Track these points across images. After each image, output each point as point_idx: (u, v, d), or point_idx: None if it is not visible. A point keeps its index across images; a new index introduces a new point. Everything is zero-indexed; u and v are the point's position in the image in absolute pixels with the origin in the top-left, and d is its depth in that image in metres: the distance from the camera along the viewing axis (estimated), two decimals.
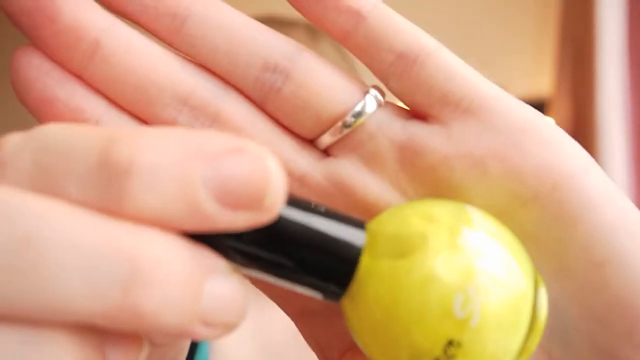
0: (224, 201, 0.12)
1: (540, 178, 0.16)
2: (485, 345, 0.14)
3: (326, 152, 0.18)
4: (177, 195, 0.12)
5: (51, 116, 0.17)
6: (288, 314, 0.19)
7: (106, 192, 0.12)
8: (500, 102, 0.17)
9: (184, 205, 0.12)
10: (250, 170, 0.12)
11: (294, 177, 0.18)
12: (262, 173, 0.12)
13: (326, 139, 0.18)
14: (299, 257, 0.14)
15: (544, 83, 1.36)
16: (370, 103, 0.18)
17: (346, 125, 0.17)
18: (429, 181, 0.17)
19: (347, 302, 0.15)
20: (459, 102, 0.17)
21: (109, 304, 0.11)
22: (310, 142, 0.18)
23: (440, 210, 0.15)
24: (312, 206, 0.14)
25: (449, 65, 0.17)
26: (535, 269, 0.16)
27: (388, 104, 0.18)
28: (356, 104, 0.17)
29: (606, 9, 0.98)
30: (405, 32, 0.17)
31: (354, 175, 0.18)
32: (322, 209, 0.14)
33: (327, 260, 0.14)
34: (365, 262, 0.14)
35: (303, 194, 0.18)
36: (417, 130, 0.17)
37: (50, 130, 0.13)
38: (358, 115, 0.17)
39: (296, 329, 0.57)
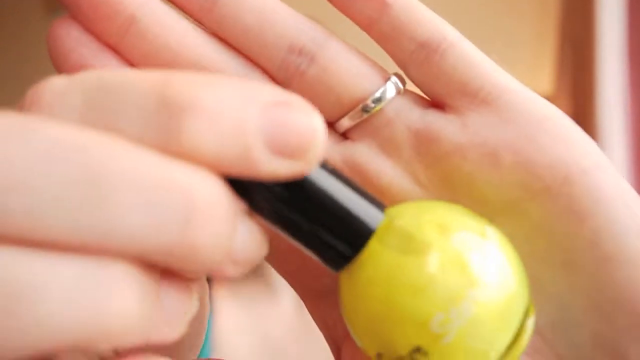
0: (273, 148, 0.12)
1: (553, 172, 0.17)
2: (459, 354, 0.14)
3: (344, 135, 0.19)
4: (232, 137, 0.12)
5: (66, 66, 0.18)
6: (298, 293, 0.20)
7: (164, 129, 0.12)
8: (517, 95, 0.17)
9: (236, 148, 0.12)
10: (300, 123, 0.13)
11: None
12: (309, 126, 0.13)
13: (345, 123, 0.18)
14: (317, 218, 0.14)
15: (544, 82, 1.36)
16: (390, 89, 0.18)
17: (365, 110, 0.18)
18: (442, 169, 0.17)
19: (344, 276, 0.15)
20: (477, 93, 0.17)
21: (167, 237, 0.12)
22: (329, 125, 0.19)
23: (458, 224, 0.15)
24: (342, 175, 0.15)
25: (469, 56, 0.18)
26: (530, 297, 0.16)
27: (407, 92, 0.18)
28: (377, 90, 0.18)
29: (606, 9, 0.98)
30: (429, 21, 0.18)
31: (369, 159, 0.18)
32: (351, 181, 0.15)
33: (341, 229, 0.14)
34: (372, 245, 0.15)
35: None
36: (434, 119, 0.18)
37: (101, 73, 0.13)
38: (378, 100, 0.18)
39: (293, 324, 0.56)
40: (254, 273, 0.60)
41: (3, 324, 0.10)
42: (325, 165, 0.15)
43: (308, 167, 0.13)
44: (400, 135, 0.18)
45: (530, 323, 0.15)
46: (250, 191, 0.14)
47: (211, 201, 0.12)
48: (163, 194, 0.11)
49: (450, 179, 0.18)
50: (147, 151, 0.12)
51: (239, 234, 0.13)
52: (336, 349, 0.20)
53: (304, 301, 0.20)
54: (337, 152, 0.18)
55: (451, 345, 0.14)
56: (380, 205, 0.15)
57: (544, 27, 1.35)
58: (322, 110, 0.18)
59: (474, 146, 0.17)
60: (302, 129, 0.13)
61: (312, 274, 0.19)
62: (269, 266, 0.56)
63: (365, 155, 0.18)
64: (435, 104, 0.18)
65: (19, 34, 1.83)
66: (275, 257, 0.19)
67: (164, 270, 0.13)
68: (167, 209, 0.11)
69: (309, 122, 0.13)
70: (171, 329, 0.13)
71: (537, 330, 0.18)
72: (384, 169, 0.18)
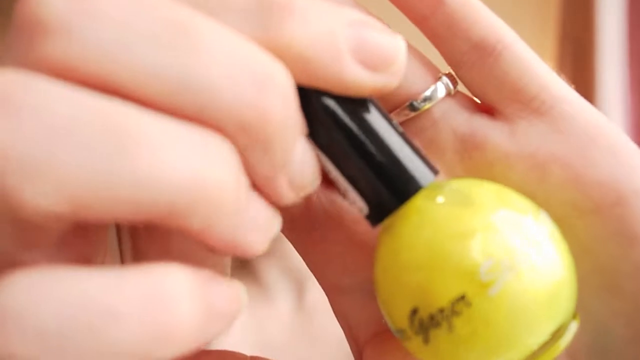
0: (358, 57, 0.13)
1: (604, 191, 0.16)
2: (493, 320, 0.14)
3: None
4: (323, 40, 0.13)
5: None
6: (322, 287, 0.19)
7: (262, 25, 0.13)
8: (571, 106, 0.16)
9: (326, 51, 0.13)
10: (384, 40, 0.14)
11: None
12: (393, 44, 0.14)
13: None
14: (371, 157, 0.14)
15: None
16: (440, 90, 0.17)
17: (413, 108, 0.17)
18: (486, 177, 0.17)
19: (384, 231, 0.15)
20: (530, 101, 0.17)
21: (244, 98, 0.12)
22: None
23: (514, 198, 0.15)
24: (405, 133, 0.15)
25: (524, 60, 0.17)
26: (576, 300, 0.15)
27: (457, 93, 0.18)
28: (426, 89, 0.17)
29: (606, 9, 0.98)
30: (485, 21, 0.17)
31: None
32: (412, 141, 0.15)
33: (392, 176, 0.15)
34: (419, 201, 0.15)
35: None
36: (482, 124, 0.17)
37: None
38: (426, 100, 0.17)
39: (292, 328, 0.57)
40: (248, 275, 0.61)
41: (111, 164, 0.11)
42: (389, 116, 0.15)
43: (392, 81, 0.14)
44: (444, 137, 0.17)
45: (572, 328, 0.15)
46: (312, 113, 0.14)
47: (283, 81, 0.13)
48: (243, 59, 0.12)
49: None
50: (231, 30, 0.12)
51: (298, 152, 0.14)
52: (357, 349, 0.19)
53: (328, 297, 0.19)
54: None
55: (495, 300, 0.13)
56: (434, 168, 0.15)
57: (544, 27, 1.35)
58: None
59: (521, 157, 0.16)
60: (385, 45, 0.13)
61: (340, 269, 0.19)
62: (263, 268, 0.55)
63: None
64: (485, 108, 0.18)
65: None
66: (305, 246, 0.19)
67: (253, 184, 0.13)
68: (245, 72, 0.12)
69: (392, 40, 0.14)
70: (257, 237, 0.13)
71: (571, 354, 0.17)
72: None
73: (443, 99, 0.17)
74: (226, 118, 0.12)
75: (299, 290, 0.62)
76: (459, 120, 0.17)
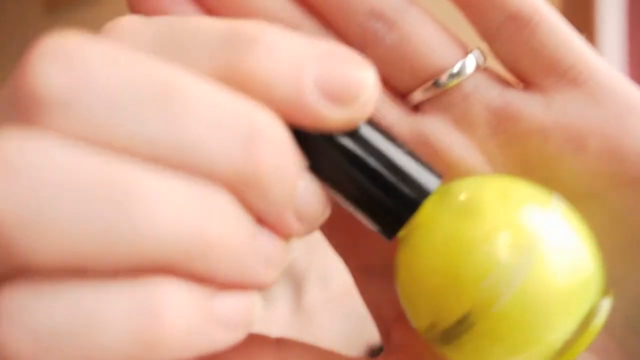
0: (323, 91, 0.13)
1: None
2: (505, 330, 0.14)
3: (416, 109, 0.18)
4: (288, 72, 0.13)
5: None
6: (348, 268, 0.19)
7: (228, 57, 0.13)
8: (609, 77, 0.16)
9: (290, 83, 0.13)
10: (352, 72, 0.13)
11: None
12: (361, 77, 0.13)
13: (418, 96, 0.17)
14: (372, 177, 0.14)
15: None
16: (469, 64, 0.17)
17: (440, 84, 0.17)
18: (520, 150, 0.17)
19: (400, 244, 0.15)
20: (566, 72, 0.16)
21: (232, 155, 0.12)
22: (402, 97, 0.18)
23: (521, 193, 0.15)
24: (400, 141, 0.15)
25: (561, 32, 0.17)
26: (603, 278, 0.15)
27: (487, 69, 0.18)
28: (455, 64, 0.17)
29: (606, 9, 0.98)
30: None
31: (441, 133, 0.17)
32: (409, 148, 0.15)
33: (396, 190, 0.14)
34: (429, 209, 0.14)
35: None
36: (515, 97, 0.17)
37: (175, 17, 0.14)
38: (454, 75, 0.17)
39: (291, 328, 0.57)
40: None
41: (110, 221, 0.11)
42: (382, 129, 0.15)
43: (356, 116, 0.13)
44: (476, 111, 0.17)
45: (605, 307, 0.14)
46: (310, 146, 0.14)
47: (271, 131, 0.13)
48: (228, 115, 0.12)
49: (527, 161, 0.17)
50: (216, 82, 0.13)
51: (301, 187, 0.14)
52: (385, 330, 0.19)
53: (354, 277, 0.19)
54: (407, 124, 0.18)
55: (500, 316, 0.13)
56: (437, 173, 0.15)
57: None
58: (397, 80, 0.18)
59: (557, 128, 0.16)
60: (352, 78, 0.13)
61: (366, 250, 0.19)
62: None
63: (436, 129, 0.17)
64: (518, 81, 0.17)
65: (19, 34, 1.83)
66: (330, 229, 0.19)
67: (260, 219, 0.14)
68: (231, 128, 0.12)
69: (360, 73, 0.13)
70: (267, 272, 0.13)
71: (609, 328, 0.17)
72: (455, 144, 0.17)
73: (473, 73, 0.17)
74: (221, 173, 0.12)
75: (298, 291, 0.62)
76: (491, 93, 0.17)
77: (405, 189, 0.14)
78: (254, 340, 0.16)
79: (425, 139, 0.17)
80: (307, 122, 0.13)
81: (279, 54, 0.13)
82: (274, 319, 0.55)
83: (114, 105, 0.12)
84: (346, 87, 0.13)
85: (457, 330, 0.14)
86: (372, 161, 0.14)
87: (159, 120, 0.12)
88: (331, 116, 0.13)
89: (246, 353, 0.16)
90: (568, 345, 0.14)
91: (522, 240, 0.14)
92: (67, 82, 0.12)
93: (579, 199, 0.16)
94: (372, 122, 0.15)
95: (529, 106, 0.17)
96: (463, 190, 0.15)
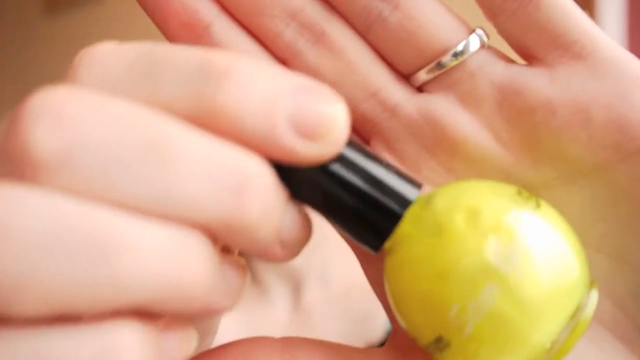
0: (295, 127, 0.13)
1: None
2: (484, 346, 0.14)
3: (420, 90, 0.18)
4: (260, 107, 0.13)
5: (166, 13, 0.17)
6: (354, 252, 0.20)
7: (200, 91, 0.13)
8: (612, 51, 0.17)
9: (262, 117, 0.13)
10: (323, 108, 0.13)
11: (385, 106, 0.18)
12: (331, 112, 0.13)
13: (422, 76, 0.18)
14: (352, 199, 0.14)
15: None
16: (473, 42, 0.17)
17: (444, 63, 0.17)
18: (526, 125, 0.17)
19: (386, 254, 0.15)
20: (570, 46, 0.17)
21: (222, 207, 0.12)
22: (406, 78, 0.18)
23: (492, 208, 0.14)
24: (375, 156, 0.15)
25: (564, 6, 0.17)
26: (586, 276, 0.15)
27: (490, 47, 0.18)
28: (459, 43, 0.17)
29: (606, 9, 0.98)
30: None
31: (447, 111, 0.17)
32: (385, 162, 0.15)
33: (376, 205, 0.14)
34: (406, 227, 0.15)
35: (391, 124, 0.18)
36: (520, 72, 0.17)
37: (148, 44, 0.14)
38: (458, 54, 0.17)
39: (289, 328, 0.57)
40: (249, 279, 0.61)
41: (94, 273, 0.11)
42: (358, 146, 0.15)
43: (329, 150, 0.14)
44: (482, 88, 0.17)
45: (593, 298, 0.14)
46: (288, 175, 0.14)
47: (260, 178, 0.13)
48: (217, 166, 0.13)
49: (533, 136, 0.17)
50: (206, 133, 0.13)
51: (286, 216, 0.14)
52: (393, 317, 0.19)
53: (363, 266, 0.20)
54: (413, 104, 0.18)
55: (472, 338, 0.14)
56: (416, 183, 0.15)
57: None
58: (401, 60, 0.18)
59: (563, 101, 0.16)
60: (325, 114, 0.13)
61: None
62: (261, 269, 0.55)
63: (443, 107, 0.17)
64: (522, 56, 0.18)
65: (19, 34, 1.83)
66: None
67: (224, 248, 0.14)
68: (221, 180, 0.12)
69: (332, 108, 0.13)
70: (228, 300, 0.14)
71: (616, 300, 0.17)
72: (462, 122, 0.17)
73: (477, 51, 0.17)
74: (207, 221, 0.13)
75: (297, 291, 0.62)
76: (496, 70, 0.17)
77: (386, 202, 0.15)
78: (259, 342, 0.16)
79: (431, 118, 0.17)
80: (280, 156, 0.13)
81: (251, 88, 0.13)
82: (273, 319, 0.55)
83: (105, 162, 0.12)
84: (318, 123, 0.13)
85: (436, 347, 0.14)
86: (351, 181, 0.14)
87: (148, 175, 0.12)
88: (304, 151, 0.13)
89: (252, 356, 0.16)
90: (559, 343, 0.14)
91: (488, 264, 0.14)
92: (58, 142, 0.12)
93: (586, 170, 0.16)
94: (348, 142, 0.15)
95: (534, 81, 0.17)
96: (439, 205, 0.15)
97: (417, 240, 0.14)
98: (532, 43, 0.17)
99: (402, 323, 0.15)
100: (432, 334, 0.14)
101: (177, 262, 0.12)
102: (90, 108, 0.12)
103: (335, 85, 0.18)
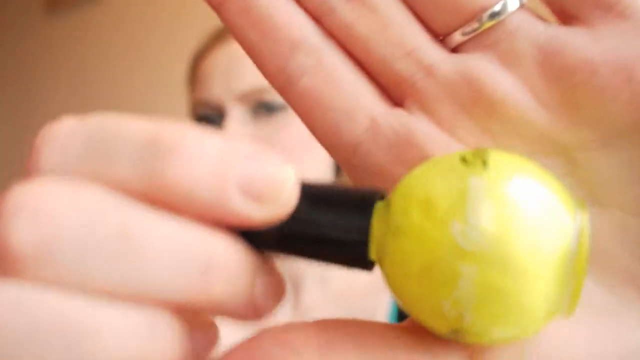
0: (245, 192, 0.14)
1: None
2: (491, 329, 0.14)
3: (456, 51, 0.18)
4: (209, 178, 0.13)
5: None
6: (343, 168, 0.19)
7: (150, 167, 0.13)
8: None
9: (213, 188, 0.13)
10: (272, 172, 0.14)
11: (421, 65, 0.18)
12: (281, 176, 0.14)
13: (458, 37, 0.18)
14: (316, 245, 0.15)
15: None
16: (511, 2, 0.17)
17: (480, 25, 0.17)
18: (566, 84, 0.17)
19: (380, 268, 0.15)
20: (613, 5, 0.16)
21: (189, 286, 0.13)
22: (442, 39, 0.18)
23: (439, 194, 0.14)
24: (325, 187, 0.15)
25: None
26: (566, 201, 0.14)
27: (528, 9, 0.18)
28: (497, 3, 0.17)
29: None
30: None
31: (486, 70, 0.17)
32: (336, 188, 0.15)
33: (343, 229, 0.15)
34: (377, 230, 0.14)
35: (427, 84, 0.18)
36: (561, 32, 0.17)
37: (102, 119, 0.14)
38: (496, 14, 0.17)
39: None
40: None
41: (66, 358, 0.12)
42: (306, 185, 0.15)
43: (282, 211, 0.14)
44: (522, 47, 0.17)
45: (583, 229, 0.14)
46: (254, 236, 0.15)
47: (225, 255, 0.14)
48: (182, 249, 0.13)
49: (573, 96, 0.17)
50: (171, 216, 0.14)
51: (257, 281, 0.14)
52: None
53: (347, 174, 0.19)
54: (450, 64, 0.17)
55: (477, 321, 0.13)
56: (373, 191, 0.15)
57: None
58: (436, 21, 0.17)
59: (605, 61, 0.16)
60: (273, 178, 0.14)
61: (346, 150, 0.19)
62: None
63: (481, 66, 0.17)
64: (561, 19, 0.17)
65: (19, 34, 1.83)
66: (313, 128, 0.19)
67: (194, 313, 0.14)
68: (186, 262, 0.13)
69: (280, 172, 0.14)
70: None
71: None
72: (500, 80, 0.17)
73: (516, 11, 0.17)
74: (175, 301, 0.13)
75: (296, 291, 0.62)
76: (536, 29, 0.17)
77: (350, 220, 0.15)
78: (294, 328, 0.16)
79: (469, 77, 0.17)
80: (233, 222, 0.14)
81: (199, 161, 0.13)
82: (272, 319, 0.55)
83: (78, 254, 0.13)
84: (268, 188, 0.14)
85: (454, 337, 0.14)
86: (312, 224, 0.15)
87: (118, 262, 0.13)
88: (256, 215, 0.14)
89: (288, 342, 0.16)
90: (566, 287, 0.14)
91: (454, 248, 0.13)
92: (34, 237, 0.13)
93: (625, 130, 0.16)
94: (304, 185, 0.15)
95: (575, 40, 0.17)
96: (395, 208, 0.14)
97: (391, 248, 0.14)
98: (573, 3, 0.17)
99: (418, 323, 0.15)
100: (445, 329, 0.14)
101: (146, 344, 0.13)
102: (63, 202, 0.13)
103: (370, 42, 0.18)
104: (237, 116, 0.62)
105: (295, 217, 0.15)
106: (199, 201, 0.13)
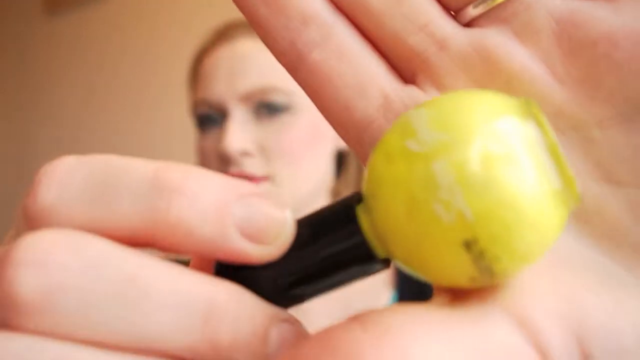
0: (244, 232, 0.14)
1: None
2: (503, 227, 0.13)
3: (470, 25, 0.17)
4: (210, 217, 0.14)
5: None
6: (350, 146, 0.19)
7: (153, 206, 0.14)
8: None
9: (214, 225, 0.14)
10: (270, 214, 0.14)
11: (435, 39, 0.17)
12: (279, 218, 0.14)
13: (473, 10, 0.17)
14: (325, 272, 0.15)
15: None
16: None
17: None
18: (586, 58, 0.16)
19: (381, 241, 0.15)
20: None
21: (192, 334, 0.13)
22: (454, 13, 0.18)
23: (391, 140, 0.14)
24: (312, 217, 0.15)
25: None
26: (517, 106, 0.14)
27: None
28: None
29: None
30: None
31: (502, 43, 0.17)
32: (318, 214, 0.15)
33: (341, 244, 0.15)
34: (365, 225, 0.14)
35: (440, 58, 0.17)
36: (580, 4, 0.16)
37: (105, 158, 0.15)
38: None
39: None
40: None
41: None
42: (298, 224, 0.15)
43: (277, 251, 0.15)
44: (540, 20, 0.16)
45: (541, 122, 0.14)
46: (265, 291, 0.15)
47: (229, 305, 0.14)
48: (186, 301, 0.14)
49: (593, 70, 0.16)
50: (173, 267, 0.14)
51: (273, 335, 0.14)
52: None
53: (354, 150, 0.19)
54: (464, 37, 0.17)
55: (479, 222, 0.13)
56: (350, 197, 0.15)
57: None
58: None
59: (627, 34, 0.16)
60: (271, 221, 0.14)
61: (358, 128, 0.18)
62: None
63: (497, 39, 0.17)
64: None
65: (19, 34, 1.83)
66: (323, 109, 0.19)
67: None
68: (190, 313, 0.14)
69: (279, 214, 0.14)
70: None
71: None
72: (517, 55, 0.17)
73: None
74: (178, 353, 0.14)
75: None
76: (554, 2, 0.17)
77: (341, 230, 0.15)
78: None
79: (484, 50, 0.17)
80: (232, 259, 0.14)
81: (202, 201, 0.14)
82: None
83: (84, 305, 0.13)
84: (267, 229, 0.14)
85: (478, 275, 0.14)
86: (310, 253, 0.15)
87: (122, 313, 0.13)
88: (254, 254, 0.14)
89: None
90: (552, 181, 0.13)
91: (419, 164, 0.13)
92: (41, 288, 0.13)
93: None
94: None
95: (595, 13, 0.16)
96: (366, 180, 0.14)
97: (377, 215, 0.14)
98: None
99: (439, 279, 0.14)
100: (464, 263, 0.13)
101: None
102: (68, 253, 0.13)
103: (382, 16, 0.17)
104: (239, 117, 0.62)
105: (292, 258, 0.15)
106: (200, 240, 0.14)
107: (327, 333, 0.13)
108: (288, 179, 0.62)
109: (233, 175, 0.61)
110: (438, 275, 0.14)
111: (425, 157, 0.13)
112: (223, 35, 0.65)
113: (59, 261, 0.13)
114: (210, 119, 0.64)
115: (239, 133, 0.61)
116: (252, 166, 0.61)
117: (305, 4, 0.17)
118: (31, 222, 0.14)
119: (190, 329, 0.13)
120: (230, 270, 0.15)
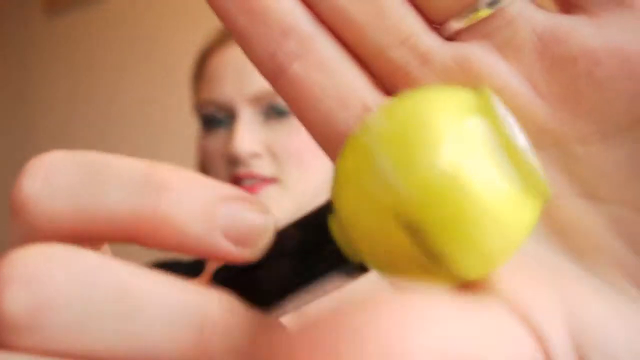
0: (228, 233, 0.14)
1: None
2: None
3: (452, 40, 0.17)
4: (199, 216, 0.14)
5: None
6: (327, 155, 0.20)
7: (143, 201, 0.14)
8: None
9: (201, 224, 0.14)
10: (256, 218, 0.15)
11: (417, 53, 0.17)
12: (261, 222, 0.15)
13: (455, 24, 0.17)
14: (302, 270, 0.15)
15: None
16: None
17: (476, 14, 0.17)
18: (568, 75, 0.16)
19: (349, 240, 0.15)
20: None
21: (186, 345, 0.14)
22: (435, 26, 0.17)
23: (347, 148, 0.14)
24: (291, 226, 0.16)
25: None
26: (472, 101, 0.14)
27: None
28: None
29: None
30: None
31: (483, 59, 0.17)
32: (298, 222, 0.16)
33: (314, 238, 0.15)
34: (334, 229, 0.15)
35: (422, 72, 0.17)
36: (563, 20, 0.16)
37: (92, 152, 0.15)
38: (493, 3, 0.17)
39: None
40: None
41: None
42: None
43: (254, 254, 0.15)
44: (522, 35, 0.16)
45: (501, 111, 0.13)
46: (254, 293, 0.15)
47: (219, 313, 0.14)
48: (178, 311, 0.14)
49: (574, 87, 0.16)
50: (164, 278, 0.14)
51: (261, 341, 0.15)
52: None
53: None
54: (446, 52, 0.17)
55: (415, 199, 0.13)
56: (323, 205, 0.15)
57: None
58: (432, 8, 0.17)
59: (608, 51, 0.16)
60: (254, 224, 0.15)
61: (339, 141, 0.18)
62: None
63: (478, 55, 0.17)
64: (563, 8, 0.17)
65: (19, 34, 1.83)
66: (301, 117, 0.18)
67: None
68: (180, 321, 0.14)
69: (261, 218, 0.15)
70: None
71: None
72: (499, 71, 0.17)
73: None
74: None
75: None
76: (537, 18, 0.17)
77: (316, 235, 0.15)
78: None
79: (466, 65, 0.17)
80: (217, 258, 0.15)
81: (190, 200, 0.14)
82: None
83: (77, 320, 0.13)
84: (249, 232, 0.15)
85: (432, 263, 0.14)
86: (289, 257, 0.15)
87: (114, 326, 0.13)
88: (234, 255, 0.15)
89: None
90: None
91: (363, 152, 0.14)
92: (30, 305, 0.13)
93: (625, 127, 0.16)
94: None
95: (577, 29, 0.16)
96: (334, 186, 0.15)
97: (343, 215, 0.14)
98: None
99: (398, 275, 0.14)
100: (410, 249, 0.13)
101: None
102: (60, 268, 0.13)
103: (364, 29, 0.17)
104: (247, 119, 0.62)
105: (275, 265, 0.15)
106: (187, 235, 0.14)
107: (329, 316, 0.13)
108: (296, 181, 0.62)
109: (242, 175, 0.61)
110: (391, 265, 0.14)
111: (369, 146, 0.13)
112: (230, 35, 0.65)
113: (49, 276, 0.13)
114: (216, 119, 0.63)
115: (248, 134, 0.61)
116: (260, 167, 0.61)
117: (285, 14, 0.17)
118: (15, 213, 0.14)
119: (184, 339, 0.14)
120: (228, 274, 0.16)
